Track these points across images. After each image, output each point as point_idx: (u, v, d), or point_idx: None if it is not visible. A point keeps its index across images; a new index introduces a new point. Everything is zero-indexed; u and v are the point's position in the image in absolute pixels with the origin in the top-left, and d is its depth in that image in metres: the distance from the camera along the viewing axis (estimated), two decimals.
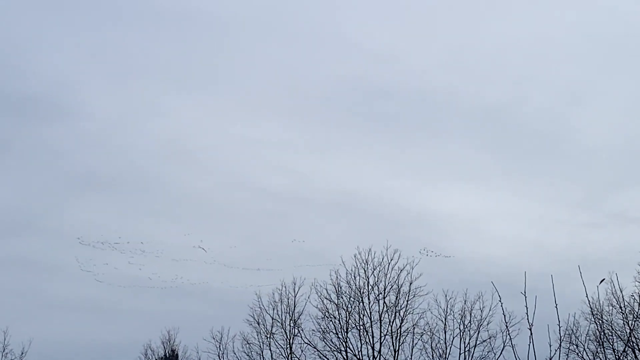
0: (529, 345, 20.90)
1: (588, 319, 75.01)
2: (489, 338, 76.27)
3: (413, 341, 77.09)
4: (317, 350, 78.26)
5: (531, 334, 20.99)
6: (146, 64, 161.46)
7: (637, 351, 71.79)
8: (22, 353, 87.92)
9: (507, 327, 24.59)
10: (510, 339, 23.54)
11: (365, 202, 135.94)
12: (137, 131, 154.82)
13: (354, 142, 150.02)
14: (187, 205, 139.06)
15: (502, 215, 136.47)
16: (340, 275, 79.66)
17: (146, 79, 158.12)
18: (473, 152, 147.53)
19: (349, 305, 78.63)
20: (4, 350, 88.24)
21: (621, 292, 76.28)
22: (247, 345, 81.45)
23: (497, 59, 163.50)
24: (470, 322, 77.34)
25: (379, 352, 76.64)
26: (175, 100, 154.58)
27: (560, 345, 22.18)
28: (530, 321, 21.30)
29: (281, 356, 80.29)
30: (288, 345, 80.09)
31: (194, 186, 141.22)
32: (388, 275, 78.73)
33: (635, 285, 76.79)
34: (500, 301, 23.20)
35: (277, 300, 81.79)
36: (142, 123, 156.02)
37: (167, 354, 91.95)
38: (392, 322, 77.51)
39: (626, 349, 68.36)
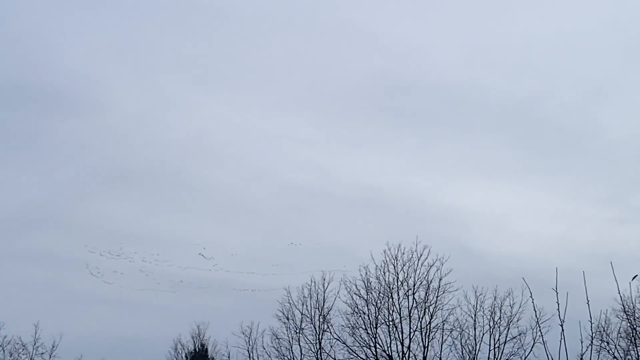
0: (560, 341, 20.79)
1: (619, 316, 74.62)
2: (519, 334, 75.84)
3: (442, 337, 77.07)
4: (347, 345, 78.28)
5: (562, 330, 20.87)
6: (170, 59, 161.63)
7: None
8: (53, 347, 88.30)
9: (537, 323, 24.51)
10: (542, 335, 23.45)
11: (390, 198, 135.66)
12: (161, 126, 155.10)
13: (378, 137, 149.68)
14: (211, 200, 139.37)
15: (528, 211, 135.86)
16: (369, 271, 79.57)
17: (170, 73, 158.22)
18: (498, 148, 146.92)
19: (379, 301, 78.52)
20: (35, 344, 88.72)
21: None
22: (277, 341, 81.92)
23: (522, 54, 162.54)
24: (500, 318, 77.06)
25: (408, 348, 76.55)
26: (199, 95, 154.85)
27: (591, 342, 22.03)
28: (562, 318, 21.17)
29: (310, 351, 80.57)
30: (317, 341, 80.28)
31: (218, 181, 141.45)
32: (417, 271, 78.56)
33: None
34: (531, 297, 23.10)
35: (306, 296, 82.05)
36: (167, 118, 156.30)
37: (197, 349, 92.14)
38: (422, 318, 77.27)
39: None
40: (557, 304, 21.14)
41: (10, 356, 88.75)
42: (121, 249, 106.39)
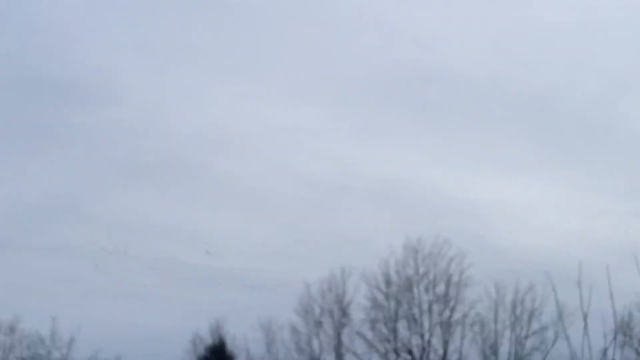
0: (584, 336, 20.09)
1: None
2: (541, 329, 75.32)
3: (463, 332, 76.64)
4: (366, 340, 78.02)
5: (586, 325, 20.18)
6: (186, 50, 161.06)
7: None
8: (71, 340, 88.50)
9: (560, 317, 23.79)
10: (564, 329, 22.75)
11: (409, 191, 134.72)
12: (176, 118, 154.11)
13: (397, 129, 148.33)
14: (227, 192, 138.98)
15: (548, 204, 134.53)
16: (389, 265, 79.03)
17: (186, 65, 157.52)
18: (517, 140, 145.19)
19: (398, 295, 78.01)
20: (52, 338, 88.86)
21: None
22: (296, 335, 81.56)
23: (543, 45, 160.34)
24: (521, 312, 76.43)
25: (429, 342, 76.20)
26: (215, 86, 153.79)
27: (615, 337, 21.42)
28: (585, 312, 20.49)
29: (330, 346, 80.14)
30: (337, 335, 79.94)
31: (234, 173, 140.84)
32: (438, 265, 78.01)
33: None
34: (554, 291, 22.43)
35: (325, 290, 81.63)
36: (182, 110, 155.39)
37: (215, 343, 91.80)
38: (442, 312, 76.81)
39: None
40: (579, 298, 20.47)
41: (28, 350, 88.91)
42: (127, 248, 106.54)
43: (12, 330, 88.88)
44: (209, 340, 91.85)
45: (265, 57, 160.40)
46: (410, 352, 76.35)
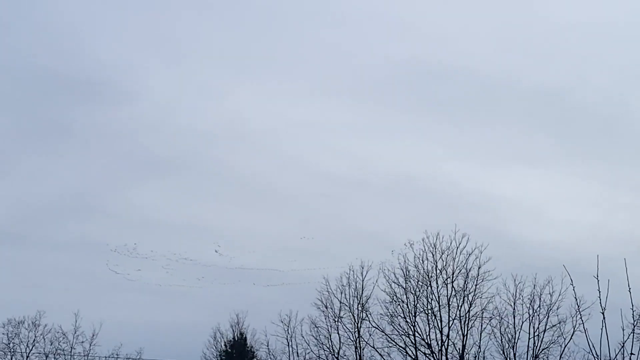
0: (602, 329, 20.58)
1: None
2: (559, 323, 75.35)
3: (482, 325, 76.77)
4: (385, 334, 78.35)
5: (604, 318, 20.66)
6: (203, 47, 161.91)
7: None
8: (93, 335, 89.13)
9: (578, 311, 24.21)
10: (582, 323, 23.21)
11: (426, 185, 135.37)
12: (193, 114, 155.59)
13: (413, 124, 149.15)
14: (244, 187, 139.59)
15: (564, 198, 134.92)
16: (408, 259, 79.34)
17: (204, 61, 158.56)
18: (532, 135, 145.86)
19: (417, 290, 78.30)
20: (75, 333, 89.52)
21: None
22: (315, 329, 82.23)
23: (556, 40, 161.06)
24: (539, 306, 76.48)
25: (447, 336, 76.34)
26: (232, 82, 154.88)
27: (633, 330, 21.82)
28: (603, 305, 20.96)
29: (349, 340, 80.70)
30: (356, 329, 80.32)
31: (252, 169, 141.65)
32: (456, 260, 78.29)
33: None
34: (572, 284, 22.87)
35: (344, 284, 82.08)
36: (199, 106, 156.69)
37: (236, 337, 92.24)
38: (461, 306, 77.13)
39: None
40: (598, 292, 20.92)
41: (51, 345, 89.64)
42: (136, 247, 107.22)
43: (35, 325, 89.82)
44: (229, 334, 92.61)
45: (282, 54, 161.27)
46: (429, 346, 76.50)
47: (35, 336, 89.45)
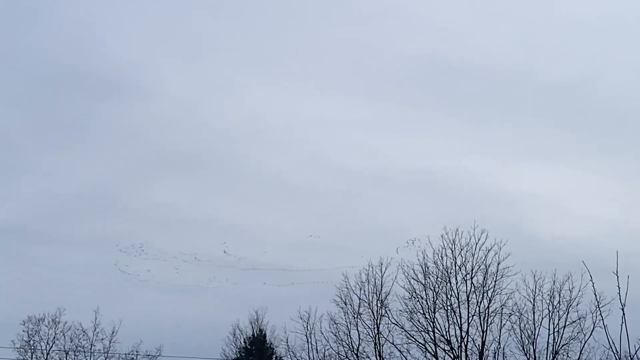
0: (622, 325, 20.48)
1: None
2: (579, 319, 75.14)
3: (501, 322, 76.57)
4: (405, 330, 78.12)
5: (624, 314, 20.55)
6: (220, 44, 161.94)
7: None
8: (113, 332, 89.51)
9: (598, 307, 24.12)
10: (602, 319, 23.08)
11: (444, 181, 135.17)
12: (211, 111, 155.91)
13: (431, 120, 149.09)
14: (263, 184, 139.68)
15: (583, 193, 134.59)
16: (427, 256, 79.17)
17: (220, 58, 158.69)
18: (549, 130, 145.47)
19: (437, 286, 78.14)
20: (95, 330, 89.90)
21: None
22: (335, 326, 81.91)
23: (572, 35, 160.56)
24: (559, 302, 76.29)
25: (467, 332, 76.21)
26: (249, 78, 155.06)
27: None
28: (623, 301, 20.86)
29: (368, 336, 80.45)
30: (375, 326, 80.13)
31: (269, 166, 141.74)
32: (475, 256, 77.99)
33: None
34: (591, 280, 22.77)
35: (364, 281, 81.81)
36: (216, 102, 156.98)
37: (255, 334, 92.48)
38: (480, 302, 76.80)
39: None
40: (617, 288, 20.81)
41: (71, 342, 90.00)
42: (143, 246, 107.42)
43: (55, 322, 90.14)
44: (249, 331, 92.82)
45: (299, 50, 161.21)
46: (448, 342, 76.34)
47: (55, 333, 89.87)
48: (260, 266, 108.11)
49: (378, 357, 79.68)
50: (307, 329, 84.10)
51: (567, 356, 75.78)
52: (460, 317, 76.64)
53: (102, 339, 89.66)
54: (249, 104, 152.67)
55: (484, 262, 77.67)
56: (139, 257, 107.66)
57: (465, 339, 76.07)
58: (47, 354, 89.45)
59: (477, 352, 75.97)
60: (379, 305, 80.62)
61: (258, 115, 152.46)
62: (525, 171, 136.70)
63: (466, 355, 75.93)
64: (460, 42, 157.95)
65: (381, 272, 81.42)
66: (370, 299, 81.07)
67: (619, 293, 20.78)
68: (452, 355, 76.19)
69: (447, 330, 76.71)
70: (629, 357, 21.11)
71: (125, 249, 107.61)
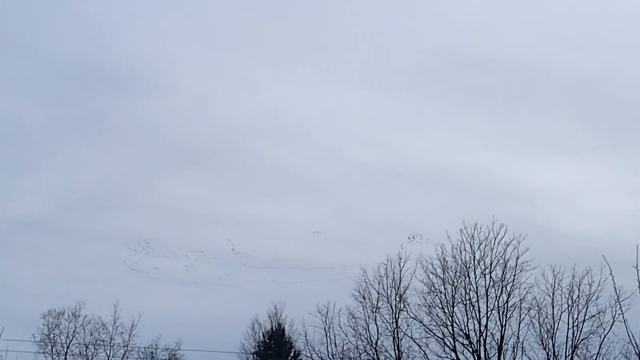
0: None
1: None
2: (598, 313, 74.62)
3: (520, 316, 76.21)
4: (423, 324, 77.96)
5: None
6: (235, 39, 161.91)
7: None
8: (132, 327, 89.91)
9: (618, 301, 24.09)
10: (622, 313, 23.06)
11: (460, 175, 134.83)
12: (227, 106, 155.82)
13: (446, 113, 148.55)
14: (279, 178, 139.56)
15: (601, 187, 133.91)
16: (445, 250, 78.96)
17: (235, 53, 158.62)
18: (566, 124, 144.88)
19: (455, 280, 77.90)
20: (114, 324, 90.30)
21: None
22: (353, 320, 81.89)
23: (591, 28, 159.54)
24: (578, 297, 75.78)
25: (486, 327, 75.92)
26: (265, 73, 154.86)
27: None
28: None
29: (387, 330, 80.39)
30: (394, 320, 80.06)
31: (286, 160, 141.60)
32: (494, 250, 77.62)
33: None
34: (611, 275, 22.73)
35: (382, 275, 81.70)
36: (233, 97, 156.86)
37: (274, 328, 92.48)
38: (499, 297, 76.52)
39: None
40: (637, 282, 20.76)
41: (91, 335, 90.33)
42: (148, 242, 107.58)
43: (75, 316, 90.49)
44: (268, 325, 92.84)
45: (316, 45, 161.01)
46: (467, 336, 76.15)
47: (75, 327, 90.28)
48: (276, 261, 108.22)
49: (397, 351, 79.63)
50: (326, 323, 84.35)
51: (587, 350, 75.53)
52: (479, 312, 76.45)
53: (122, 333, 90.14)
54: (264, 99, 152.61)
55: (503, 256, 77.38)
56: (150, 252, 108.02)
57: (484, 333, 75.86)
58: (67, 348, 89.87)
59: (495, 346, 75.77)
60: (397, 299, 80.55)
61: (273, 110, 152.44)
62: (542, 165, 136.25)
63: (485, 350, 75.75)
64: (476, 36, 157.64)
65: (400, 266, 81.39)
66: (389, 293, 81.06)
67: (639, 287, 20.73)
68: (470, 350, 75.96)
69: (465, 324, 76.53)
70: None
71: (138, 244, 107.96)
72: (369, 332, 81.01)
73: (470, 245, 78.31)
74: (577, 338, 75.34)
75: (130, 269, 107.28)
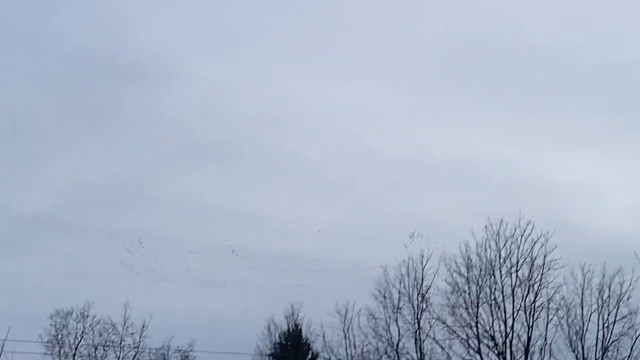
0: None
1: None
2: (630, 314, 73.33)
3: (548, 317, 74.45)
4: (447, 325, 76.51)
5: None
6: (253, 30, 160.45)
7: None
8: (143, 327, 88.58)
9: None
10: None
11: (485, 170, 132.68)
12: (241, 99, 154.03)
13: (472, 106, 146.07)
14: (296, 174, 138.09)
15: (629, 182, 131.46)
16: (470, 248, 77.01)
17: (253, 44, 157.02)
18: (594, 116, 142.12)
19: (480, 279, 76.03)
20: (125, 324, 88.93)
21: None
22: (373, 320, 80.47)
23: (620, 15, 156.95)
24: (609, 296, 74.13)
25: (512, 328, 74.13)
26: (279, 66, 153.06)
27: None
28: None
29: (409, 331, 78.82)
30: (416, 320, 78.62)
31: (303, 155, 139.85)
32: (521, 248, 75.58)
33: None
34: None
35: (404, 274, 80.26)
36: (246, 91, 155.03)
37: (291, 329, 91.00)
38: (526, 296, 74.65)
39: None
40: None
41: (100, 336, 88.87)
42: (157, 242, 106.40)
43: (84, 316, 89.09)
44: (284, 325, 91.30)
45: (335, 36, 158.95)
46: (492, 338, 74.46)
47: (84, 327, 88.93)
48: (289, 259, 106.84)
49: (419, 353, 78.22)
50: (345, 324, 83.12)
51: (618, 353, 74.02)
52: (505, 312, 74.67)
53: (132, 334, 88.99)
54: (282, 91, 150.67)
55: (530, 254, 75.43)
56: (159, 251, 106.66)
57: (510, 335, 74.16)
58: (76, 349, 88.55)
59: (522, 348, 74.15)
60: (419, 299, 79.21)
61: (289, 103, 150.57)
62: (571, 159, 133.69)
63: (511, 352, 74.08)
64: (503, 23, 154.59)
65: (422, 264, 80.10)
66: (411, 293, 79.72)
67: None
68: (496, 352, 74.46)
69: (490, 325, 74.89)
70: None
71: (147, 241, 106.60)
72: (390, 333, 79.62)
73: (496, 243, 76.47)
74: (607, 340, 73.76)
75: (139, 267, 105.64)
